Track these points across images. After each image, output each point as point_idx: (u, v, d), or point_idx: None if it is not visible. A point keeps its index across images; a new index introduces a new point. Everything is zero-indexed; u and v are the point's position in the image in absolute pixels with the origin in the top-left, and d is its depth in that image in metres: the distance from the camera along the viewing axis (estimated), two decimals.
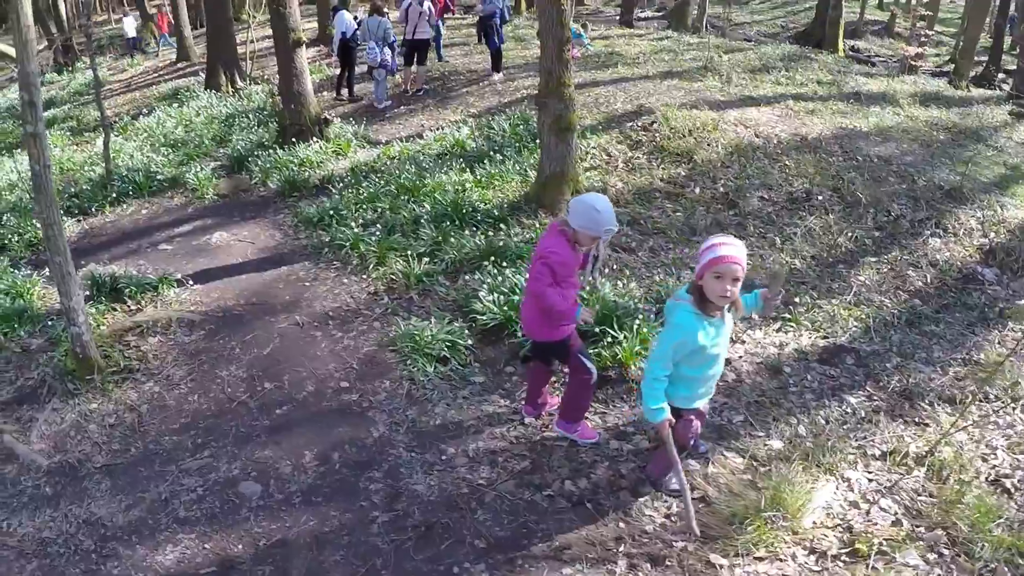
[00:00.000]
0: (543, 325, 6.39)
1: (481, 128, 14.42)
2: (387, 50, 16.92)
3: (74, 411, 7.97)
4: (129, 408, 7.92)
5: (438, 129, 14.79)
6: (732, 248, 4.96)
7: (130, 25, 32.06)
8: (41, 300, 10.69)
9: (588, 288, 7.22)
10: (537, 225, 10.53)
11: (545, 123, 10.79)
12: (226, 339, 8.87)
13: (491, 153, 12.90)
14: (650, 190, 11.53)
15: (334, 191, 12.35)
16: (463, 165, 12.59)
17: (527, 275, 6.74)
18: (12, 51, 28.79)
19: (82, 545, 6.30)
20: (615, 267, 9.72)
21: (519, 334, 8.17)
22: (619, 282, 9.06)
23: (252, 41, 20.30)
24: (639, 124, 13.52)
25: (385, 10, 17.48)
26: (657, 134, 13.06)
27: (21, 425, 8.01)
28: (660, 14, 38.96)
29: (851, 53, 32.55)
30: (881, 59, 33.77)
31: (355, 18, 18.86)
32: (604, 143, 12.88)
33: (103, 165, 15.79)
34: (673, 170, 11.99)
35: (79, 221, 13.77)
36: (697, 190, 11.45)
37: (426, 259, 9.91)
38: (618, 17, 33.60)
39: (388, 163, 13.35)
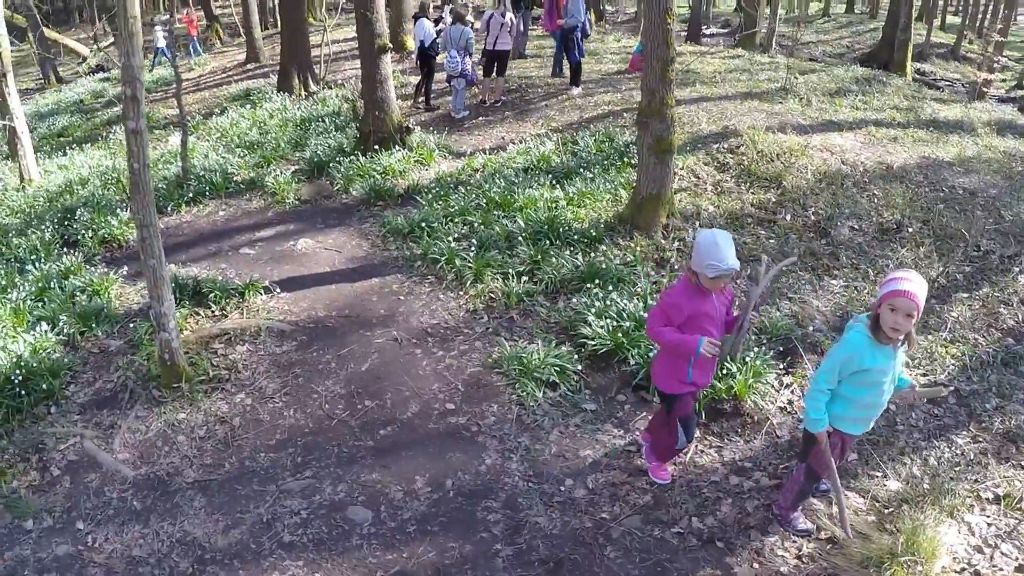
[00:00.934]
0: (662, 372, 6.14)
1: (565, 143, 14.07)
2: (468, 59, 16.62)
3: (160, 420, 7.78)
4: (220, 420, 7.71)
5: (520, 142, 14.47)
6: (911, 284, 4.90)
7: (160, 35, 31.95)
8: (119, 300, 10.52)
9: (732, 354, 6.77)
10: (634, 247, 10.18)
11: (645, 143, 10.46)
12: (320, 352, 8.59)
13: (579, 170, 12.58)
14: (741, 215, 11.18)
15: (422, 202, 12.08)
16: (551, 181, 12.24)
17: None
18: (80, 47, 28.79)
19: (178, 567, 6.07)
20: None
21: (631, 361, 7.90)
22: None
23: (327, 44, 20.05)
24: (725, 146, 13.17)
25: (469, 19, 17.14)
26: (744, 157, 12.71)
27: (102, 431, 7.85)
28: (725, 31, 38.58)
29: (918, 76, 32.00)
30: (947, 83, 33.21)
31: (436, 25, 18.54)
32: (692, 164, 12.55)
33: (177, 163, 15.67)
34: (763, 195, 11.63)
35: None
36: (788, 217, 11.09)
37: (524, 278, 9.56)
38: (684, 33, 33.22)
39: (472, 175, 13.06)
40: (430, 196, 12.14)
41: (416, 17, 17.93)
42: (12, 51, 35.34)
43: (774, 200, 11.52)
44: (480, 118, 16.82)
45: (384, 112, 14.44)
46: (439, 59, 18.05)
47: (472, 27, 17.37)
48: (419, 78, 18.35)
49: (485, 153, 13.98)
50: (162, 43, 31.64)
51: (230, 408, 7.82)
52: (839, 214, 11.13)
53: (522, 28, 20.03)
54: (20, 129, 17.23)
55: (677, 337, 5.69)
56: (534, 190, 11.78)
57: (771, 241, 10.60)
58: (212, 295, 9.76)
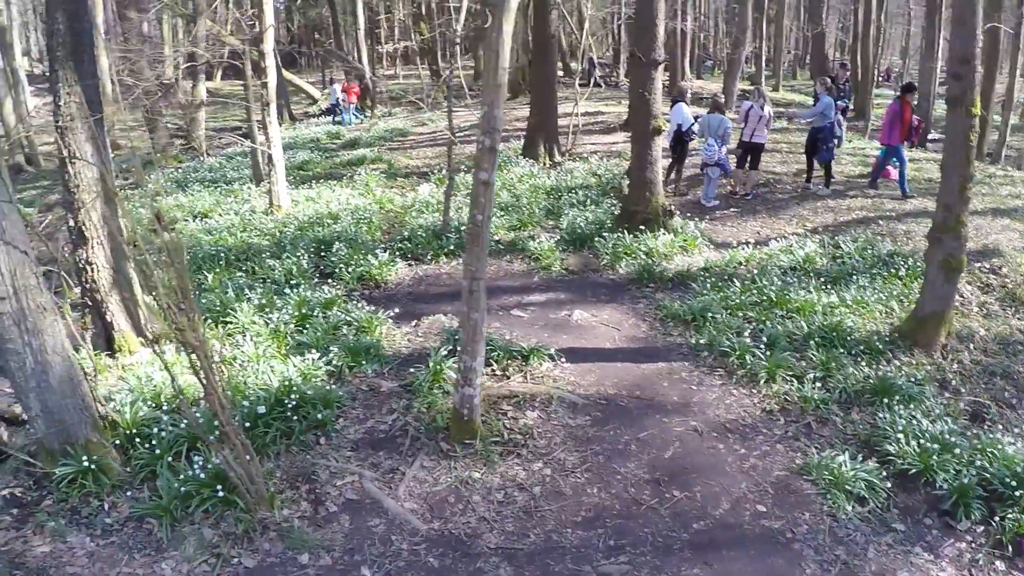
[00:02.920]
0: None
1: (826, 246, 13.68)
2: (723, 149, 16.50)
3: (450, 475, 7.77)
4: (519, 486, 7.63)
5: (777, 239, 14.16)
6: None
7: (335, 91, 33.80)
8: (386, 340, 10.69)
9: None
10: (914, 364, 9.90)
11: (935, 259, 10.13)
12: (617, 431, 8.47)
13: (846, 276, 12.26)
14: (1011, 340, 10.71)
15: (697, 289, 11.98)
16: (820, 285, 11.95)
17: None
18: (312, 90, 29.66)
19: None
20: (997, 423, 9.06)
21: (938, 484, 7.65)
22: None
23: (576, 116, 20.24)
24: (987, 266, 12.72)
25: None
26: (1007, 279, 12.26)
27: (381, 474, 7.88)
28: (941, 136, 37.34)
29: None
30: None
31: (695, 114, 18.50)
32: None
33: (425, 213, 16.19)
34: None
35: (411, 266, 13.93)
36: None
37: (817, 383, 9.23)
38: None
39: (737, 268, 12.82)
40: (705, 286, 12.01)
41: (674, 101, 17.92)
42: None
43: None
44: (731, 209, 16.63)
45: (651, 193, 14.43)
46: (692, 145, 17.96)
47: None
48: (670, 162, 18.27)
49: (748, 247, 13.73)
50: (335, 99, 33.38)
51: (528, 475, 7.76)
52: None
53: (839, 132, 19.19)
54: (276, 156, 18.14)
55: None
56: (809, 293, 11.48)
57: None
58: (494, 355, 9.78)
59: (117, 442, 8.39)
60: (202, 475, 7.42)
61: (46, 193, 26.96)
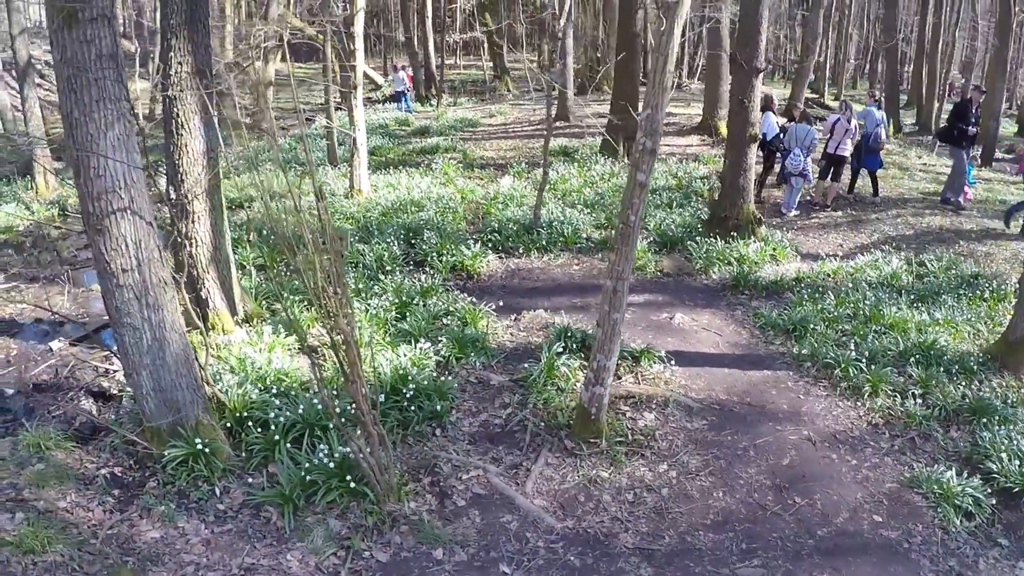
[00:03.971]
0: None
1: (910, 262, 13.82)
2: (808, 159, 16.66)
3: (577, 473, 7.99)
4: (647, 487, 7.88)
5: (860, 253, 14.32)
6: None
7: (401, 79, 34.09)
8: (487, 332, 10.90)
9: None
10: (1004, 386, 10.02)
11: None
12: (735, 436, 8.75)
13: (933, 295, 12.42)
14: None
15: (791, 299, 12.23)
16: (909, 302, 12.12)
17: None
18: (377, 76, 29.73)
19: None
20: None
21: None
22: None
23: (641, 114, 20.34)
24: None
25: (814, 118, 17.20)
26: None
27: (504, 469, 8.09)
28: (1011, 156, 37.12)
29: None
30: None
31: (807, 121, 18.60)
32: None
33: (510, 205, 16.54)
34: None
35: (501, 259, 14.17)
36: None
37: (917, 399, 9.46)
38: (978, 157, 32.19)
39: (825, 280, 13.01)
40: (800, 295, 12.22)
41: (763, 110, 18.05)
42: (311, 68, 37.34)
43: None
44: (811, 219, 16.79)
45: (743, 200, 14.66)
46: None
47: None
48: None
49: (835, 259, 13.91)
50: (401, 87, 33.69)
51: (655, 477, 8.02)
52: None
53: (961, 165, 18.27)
54: (360, 140, 18.32)
55: None
56: (899, 310, 11.65)
57: None
58: None
59: (228, 424, 8.48)
60: (330, 463, 7.51)
61: None
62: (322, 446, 7.76)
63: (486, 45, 42.51)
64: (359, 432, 7.27)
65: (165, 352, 7.79)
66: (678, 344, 10.72)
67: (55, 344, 12.05)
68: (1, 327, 12.89)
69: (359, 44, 18.26)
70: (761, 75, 14.25)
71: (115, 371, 10.77)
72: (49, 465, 7.81)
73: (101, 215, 7.31)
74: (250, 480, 7.78)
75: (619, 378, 9.73)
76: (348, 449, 7.48)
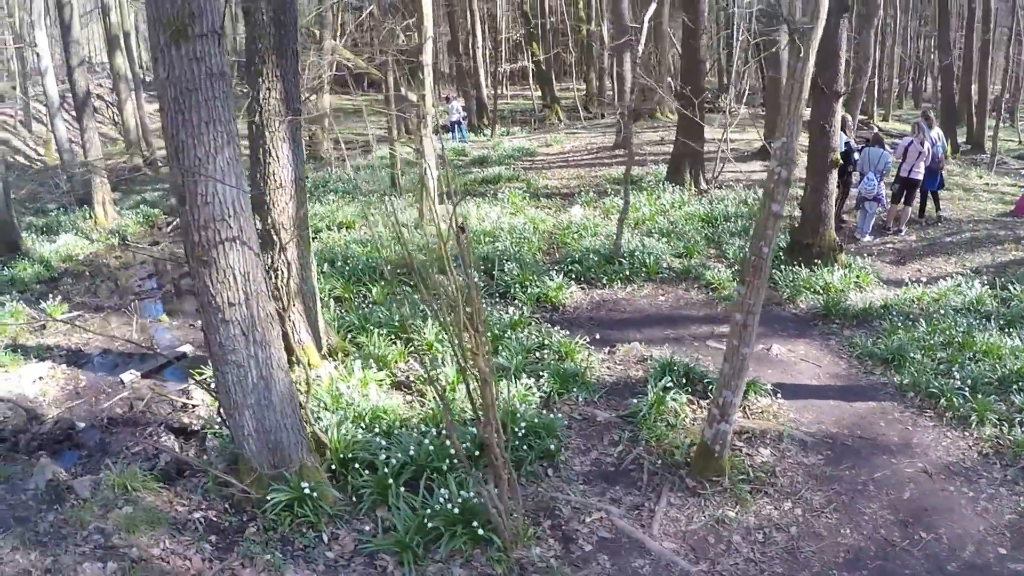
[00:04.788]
0: None
1: (992, 285, 13.63)
2: (881, 183, 16.53)
3: (703, 513, 7.89)
4: (775, 526, 7.77)
5: (941, 278, 14.16)
6: None
7: (455, 108, 34.00)
8: (584, 366, 10.82)
9: None
10: None
11: None
12: (852, 471, 8.66)
13: (1022, 319, 12.15)
14: None
15: (883, 327, 12.08)
16: (999, 328, 11.87)
17: None
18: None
19: None
20: None
21: None
22: None
23: (726, 140, 20.35)
24: None
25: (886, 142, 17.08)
26: None
27: (626, 510, 7.94)
28: None
29: None
30: None
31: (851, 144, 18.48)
32: None
33: (585, 235, 16.58)
34: None
35: (584, 290, 14.18)
36: None
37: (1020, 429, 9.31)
38: None
39: (910, 307, 12.86)
40: (892, 323, 12.09)
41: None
42: (369, 97, 37.40)
43: None
44: (886, 244, 16.65)
45: (824, 227, 14.58)
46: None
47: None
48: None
49: (918, 285, 13.73)
50: (455, 116, 33.71)
51: (781, 515, 7.91)
52: None
53: None
54: (430, 172, 18.10)
55: None
56: (991, 336, 11.46)
57: None
58: (711, 387, 9.94)
59: (331, 466, 8.27)
60: (454, 509, 7.25)
61: (167, 195, 27.47)
62: (442, 490, 7.55)
63: (534, 74, 42.65)
64: (488, 475, 7.15)
65: (271, 391, 7.55)
66: (780, 376, 10.65)
67: (126, 376, 11.98)
68: (68, 357, 12.87)
69: (428, 73, 18.27)
70: (841, 99, 14.15)
71: (194, 406, 10.78)
72: (138, 508, 7.62)
73: (208, 245, 7.01)
74: (359, 526, 7.59)
75: None
76: (472, 493, 7.36)
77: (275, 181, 9.92)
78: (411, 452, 8.14)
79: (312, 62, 22.65)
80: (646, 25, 16.08)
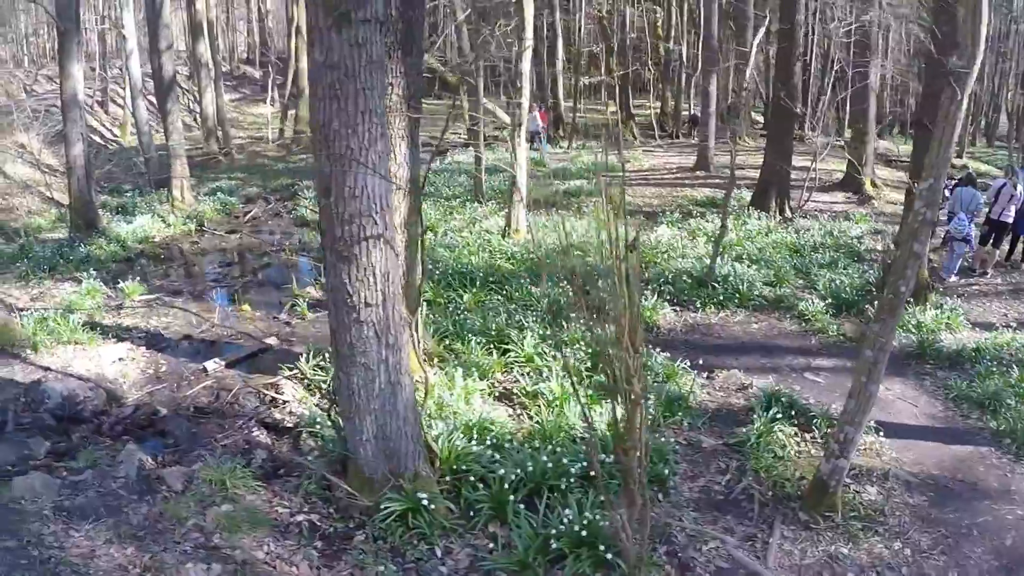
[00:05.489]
0: None
1: None
2: (972, 224, 16.51)
3: (816, 548, 7.88)
4: (887, 566, 7.74)
5: None
6: None
7: (533, 119, 34.06)
8: (684, 389, 10.79)
9: None
10: None
11: None
12: (955, 514, 8.69)
13: None
14: None
15: (977, 370, 12.00)
16: None
17: None
18: (503, 115, 29.69)
19: None
20: None
21: None
22: None
23: (815, 171, 20.34)
24: None
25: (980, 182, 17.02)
26: None
27: (739, 541, 7.94)
28: None
29: None
30: None
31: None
32: None
33: (674, 256, 16.74)
34: None
35: (677, 312, 14.29)
36: None
37: None
38: None
39: (1001, 351, 12.77)
40: (986, 367, 12.04)
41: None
42: (436, 104, 37.55)
43: None
44: (971, 285, 16.59)
45: (919, 265, 14.48)
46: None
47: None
48: None
49: (1008, 330, 13.70)
50: (533, 127, 33.87)
51: (892, 555, 7.91)
52: None
53: None
54: (520, 179, 18.36)
55: None
56: None
57: None
58: (815, 420, 10.08)
59: (446, 477, 8.14)
60: (581, 531, 7.06)
61: (242, 185, 28.00)
62: (566, 511, 7.38)
63: (609, 90, 42.75)
64: (621, 498, 6.86)
65: (397, 397, 7.33)
66: (879, 414, 10.61)
67: (210, 365, 11.90)
68: (147, 340, 12.92)
69: (525, 83, 18.30)
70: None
71: (284, 401, 10.70)
72: (238, 507, 7.49)
73: (351, 240, 6.76)
74: (473, 541, 7.43)
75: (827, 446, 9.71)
76: (597, 515, 7.25)
77: (393, 179, 9.81)
78: (529, 468, 8.07)
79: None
80: (754, 49, 16.19)
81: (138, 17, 30.54)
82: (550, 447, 8.75)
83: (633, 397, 6.18)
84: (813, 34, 33.54)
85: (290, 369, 11.58)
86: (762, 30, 17.19)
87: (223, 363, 12.12)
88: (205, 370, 11.81)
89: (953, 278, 16.85)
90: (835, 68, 22.80)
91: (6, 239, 19.76)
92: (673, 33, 41.46)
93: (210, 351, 12.83)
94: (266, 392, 11.08)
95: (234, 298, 16.07)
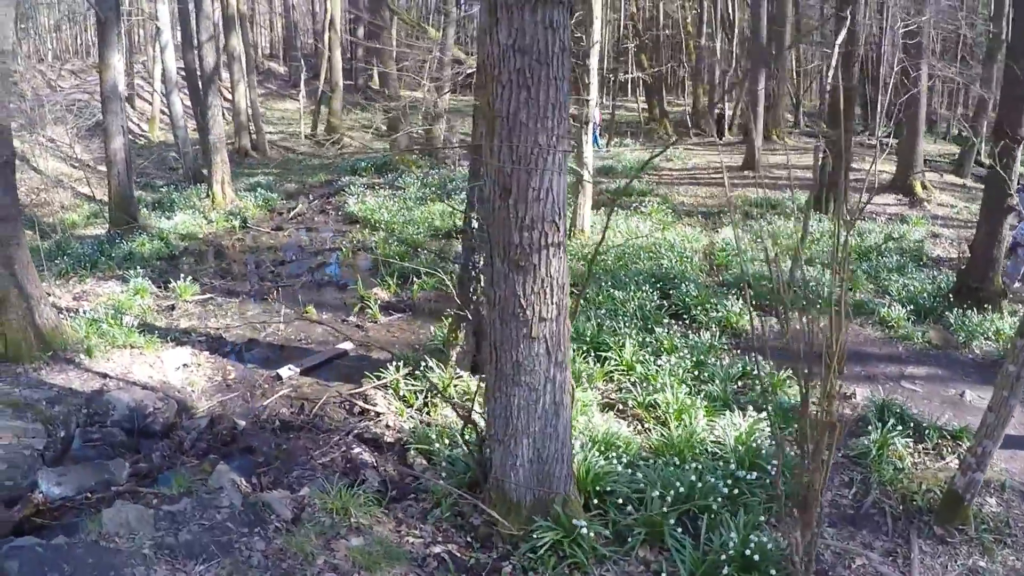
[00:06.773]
0: None
1: None
2: None
3: (955, 562, 7.84)
4: None
5: None
6: None
7: (595, 114, 33.94)
8: (795, 399, 10.69)
9: None
10: None
11: None
12: None
13: None
14: None
15: None
16: None
17: None
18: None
19: None
20: None
21: None
22: None
23: (873, 174, 20.26)
24: None
25: None
26: None
27: (881, 554, 7.92)
28: None
29: None
30: None
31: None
32: None
33: (745, 259, 16.50)
34: None
35: (760, 316, 14.02)
36: None
37: None
38: None
39: None
40: None
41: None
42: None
43: None
44: None
45: (992, 271, 14.45)
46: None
47: None
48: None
49: None
50: (595, 121, 33.82)
51: (1022, 565, 7.93)
52: None
53: None
54: (586, 179, 18.33)
55: None
56: None
57: None
58: (928, 431, 10.00)
59: (592, 500, 7.66)
60: (754, 555, 6.77)
61: (279, 181, 27.83)
62: (731, 533, 7.10)
63: (642, 87, 42.67)
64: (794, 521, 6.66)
65: (559, 418, 6.83)
66: (976, 424, 10.74)
67: (284, 372, 11.39)
68: (209, 344, 12.48)
69: (593, 79, 18.35)
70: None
71: (378, 414, 10.16)
72: (368, 539, 6.93)
73: (531, 249, 6.19)
74: (628, 568, 7.06)
75: (943, 457, 9.71)
76: (764, 537, 7.01)
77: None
78: (678, 487, 7.69)
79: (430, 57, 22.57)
80: (837, 51, 16.07)
81: (174, 8, 30.44)
82: (691, 464, 8.55)
83: (830, 418, 5.96)
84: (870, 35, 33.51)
85: (377, 378, 11.18)
86: (844, 31, 17.00)
87: (298, 370, 11.64)
88: (279, 377, 11.35)
89: (1018, 284, 16.80)
90: (895, 69, 22.58)
91: (41, 235, 19.38)
92: (706, 30, 41.26)
93: (280, 356, 12.36)
94: (355, 402, 10.55)
95: (296, 299, 15.69)
